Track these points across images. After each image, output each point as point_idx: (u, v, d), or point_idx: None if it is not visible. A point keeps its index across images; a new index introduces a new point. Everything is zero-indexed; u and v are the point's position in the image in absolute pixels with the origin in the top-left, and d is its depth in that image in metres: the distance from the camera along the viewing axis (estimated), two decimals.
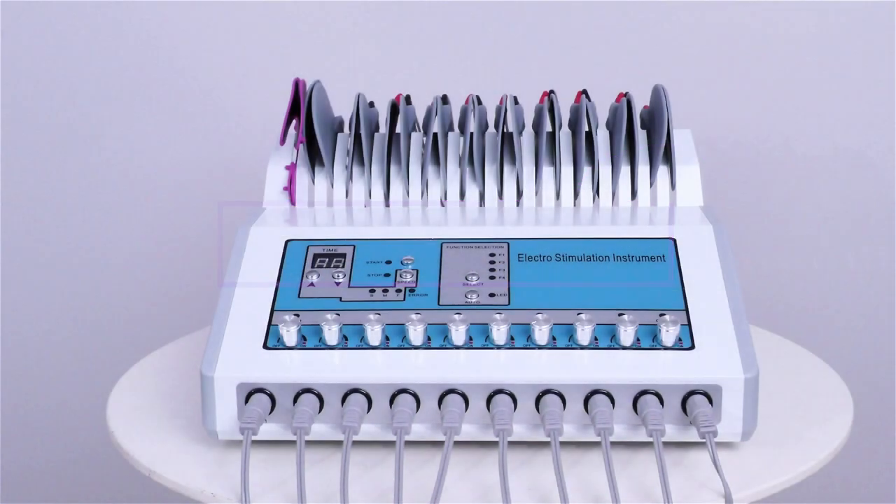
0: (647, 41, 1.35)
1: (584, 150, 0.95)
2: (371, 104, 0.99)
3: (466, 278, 0.82)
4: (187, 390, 0.89)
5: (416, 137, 0.97)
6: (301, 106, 0.95)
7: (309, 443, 0.77)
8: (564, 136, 0.97)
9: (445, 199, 0.95)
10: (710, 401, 0.74)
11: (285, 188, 0.96)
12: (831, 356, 0.99)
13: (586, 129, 0.95)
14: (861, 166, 1.37)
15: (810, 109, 1.36)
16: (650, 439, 0.72)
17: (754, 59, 1.35)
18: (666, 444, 0.76)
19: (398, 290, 0.82)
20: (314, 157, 0.98)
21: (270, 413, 0.76)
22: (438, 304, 0.80)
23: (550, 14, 1.35)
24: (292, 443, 0.76)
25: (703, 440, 0.72)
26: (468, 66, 1.37)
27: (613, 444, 0.76)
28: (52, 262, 1.44)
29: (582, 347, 0.76)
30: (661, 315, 0.78)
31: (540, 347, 0.77)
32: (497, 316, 0.77)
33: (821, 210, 1.38)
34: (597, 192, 0.94)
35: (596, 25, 1.35)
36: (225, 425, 0.77)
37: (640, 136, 0.95)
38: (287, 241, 0.86)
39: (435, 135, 0.95)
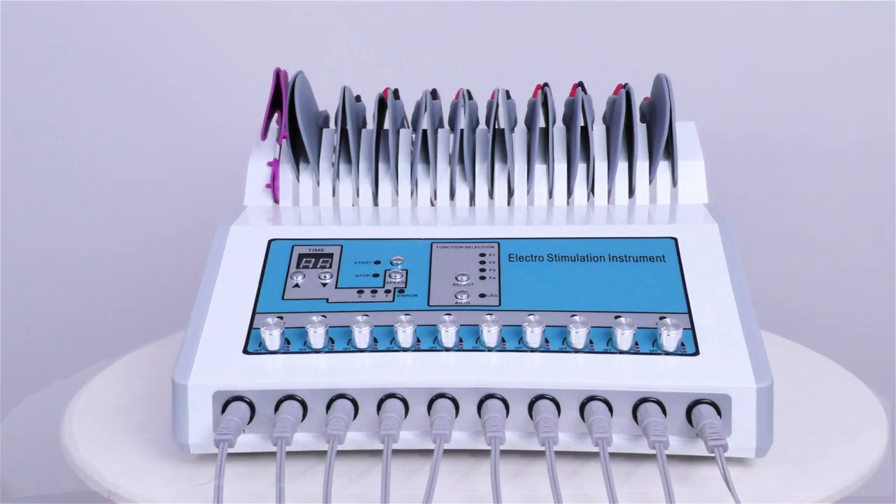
0: (648, 29, 1.33)
1: (579, 145, 0.94)
2: (357, 98, 0.99)
3: (456, 279, 0.82)
4: (157, 401, 0.85)
5: (405, 134, 0.97)
6: (283, 98, 0.94)
7: (290, 454, 0.75)
8: (558, 131, 0.96)
9: (435, 197, 0.95)
10: (719, 411, 0.72)
11: (268, 185, 0.95)
12: (856, 365, 0.94)
13: (581, 123, 0.94)
14: (882, 157, 1.32)
15: (822, 99, 1.33)
16: (653, 451, 0.71)
17: (762, 46, 1.33)
18: (672, 457, 0.74)
19: (387, 291, 0.81)
20: (298, 153, 0.96)
21: (249, 423, 0.74)
22: (428, 304, 0.80)
23: (544, 2, 1.33)
24: (272, 454, 0.74)
25: (713, 454, 0.70)
26: (458, 57, 1.35)
27: (614, 455, 0.74)
28: (19, 263, 1.41)
29: (576, 351, 0.75)
30: (662, 318, 0.77)
31: (532, 350, 0.76)
32: (487, 317, 0.77)
33: (837, 205, 1.34)
34: (591, 189, 0.93)
35: (593, 13, 1.33)
36: (198, 437, 0.75)
37: (640, 129, 0.94)
38: (270, 241, 0.86)
39: (424, 132, 0.95)
